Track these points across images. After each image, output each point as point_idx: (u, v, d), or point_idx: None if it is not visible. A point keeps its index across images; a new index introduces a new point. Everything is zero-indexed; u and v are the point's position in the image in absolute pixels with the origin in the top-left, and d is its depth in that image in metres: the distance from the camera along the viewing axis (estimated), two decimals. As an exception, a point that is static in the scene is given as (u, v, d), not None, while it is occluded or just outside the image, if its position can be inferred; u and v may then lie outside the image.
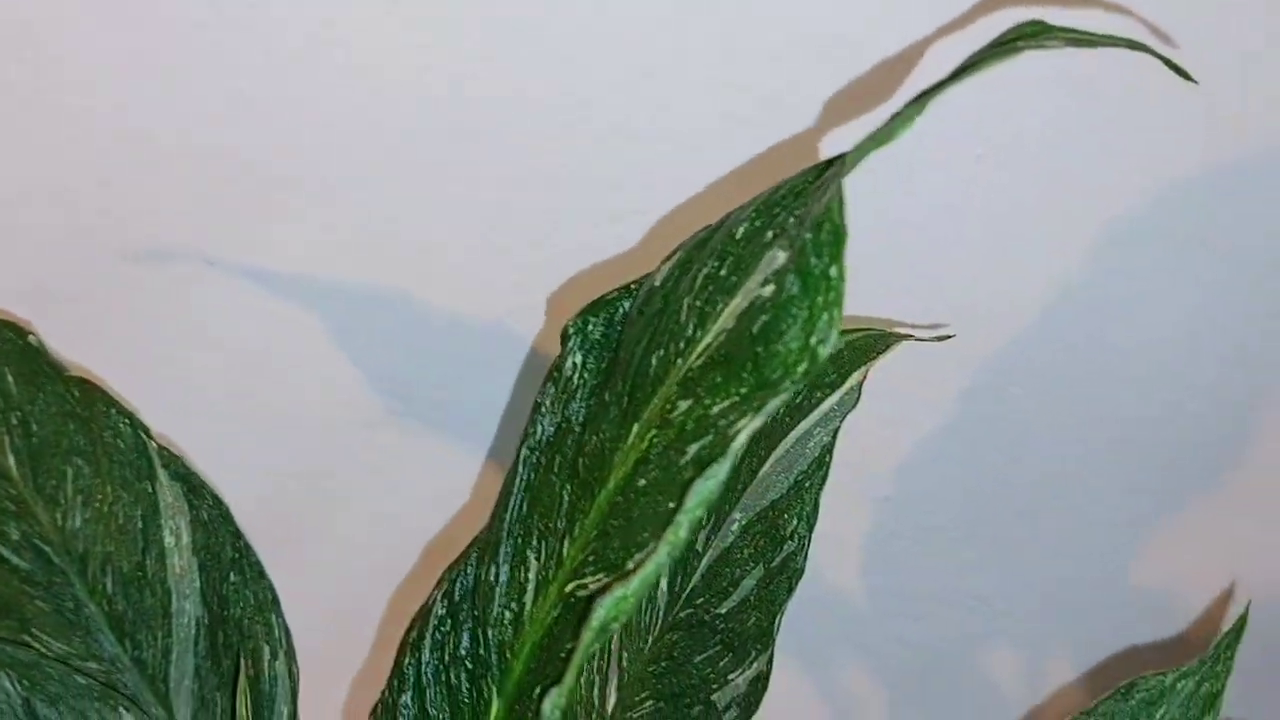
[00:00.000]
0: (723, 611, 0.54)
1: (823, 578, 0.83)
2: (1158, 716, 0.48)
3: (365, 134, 0.62)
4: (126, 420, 0.54)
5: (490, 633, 0.41)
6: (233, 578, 0.54)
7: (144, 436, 0.54)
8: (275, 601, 0.55)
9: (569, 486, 0.40)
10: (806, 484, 0.53)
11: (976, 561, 0.82)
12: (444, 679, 0.43)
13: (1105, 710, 0.48)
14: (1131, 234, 0.68)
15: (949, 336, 0.58)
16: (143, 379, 0.69)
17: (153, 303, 0.69)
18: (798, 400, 0.54)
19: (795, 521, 0.53)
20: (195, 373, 0.72)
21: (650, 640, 0.56)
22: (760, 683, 0.53)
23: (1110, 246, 0.68)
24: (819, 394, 0.54)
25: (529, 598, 0.41)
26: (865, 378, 0.53)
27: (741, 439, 0.34)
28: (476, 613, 0.42)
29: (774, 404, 0.35)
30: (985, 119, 0.61)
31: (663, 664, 0.56)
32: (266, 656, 0.54)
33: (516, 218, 0.64)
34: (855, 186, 0.63)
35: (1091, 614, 0.83)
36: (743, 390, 0.36)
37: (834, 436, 0.54)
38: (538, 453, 0.42)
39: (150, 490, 0.54)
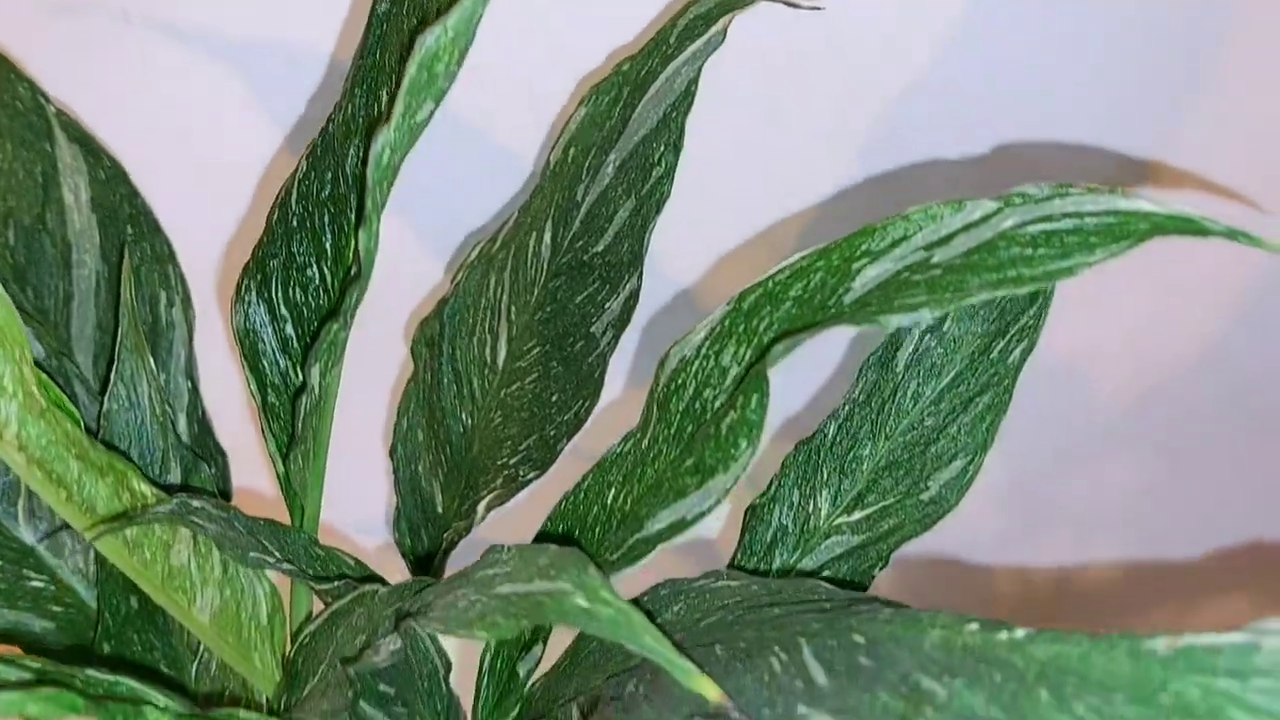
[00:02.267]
0: (600, 249, 0.57)
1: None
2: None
3: None
4: (25, 85, 0.57)
5: (348, 169, 0.44)
6: (130, 231, 0.57)
7: (42, 100, 0.57)
8: (172, 255, 0.57)
9: (414, 21, 0.43)
10: (673, 114, 0.56)
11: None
12: (308, 224, 0.46)
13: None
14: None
15: (818, 8, 0.61)
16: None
17: (69, 58, 0.71)
18: (667, 50, 0.57)
19: (663, 149, 0.56)
20: (112, 130, 0.74)
21: (535, 292, 0.59)
22: (631, 300, 0.56)
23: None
24: (687, 42, 0.56)
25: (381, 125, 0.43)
26: (729, 24, 0.56)
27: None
28: (335, 158, 0.45)
29: None
30: None
31: (547, 309, 0.58)
32: (164, 303, 0.56)
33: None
34: None
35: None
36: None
37: (699, 72, 0.56)
38: (389, 3, 0.44)
39: (49, 150, 0.57)
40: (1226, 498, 0.94)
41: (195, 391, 0.56)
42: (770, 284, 0.40)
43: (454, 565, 0.61)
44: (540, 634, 0.44)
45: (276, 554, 0.42)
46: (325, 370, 0.43)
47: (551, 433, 0.57)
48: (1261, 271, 0.82)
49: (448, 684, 0.53)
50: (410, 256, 0.67)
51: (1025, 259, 0.35)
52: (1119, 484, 0.92)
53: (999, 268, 0.35)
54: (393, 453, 0.61)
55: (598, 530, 0.43)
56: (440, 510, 0.61)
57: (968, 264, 0.36)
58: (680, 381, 0.41)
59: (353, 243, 0.45)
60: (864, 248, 0.39)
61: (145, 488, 0.39)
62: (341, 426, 0.68)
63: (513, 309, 0.59)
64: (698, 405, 0.41)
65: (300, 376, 0.47)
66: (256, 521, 0.43)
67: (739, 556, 0.52)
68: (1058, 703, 0.27)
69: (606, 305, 0.56)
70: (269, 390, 0.48)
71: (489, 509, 0.59)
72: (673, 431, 0.41)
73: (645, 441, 0.42)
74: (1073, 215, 0.35)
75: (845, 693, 0.30)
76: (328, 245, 0.46)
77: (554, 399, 0.58)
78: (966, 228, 0.37)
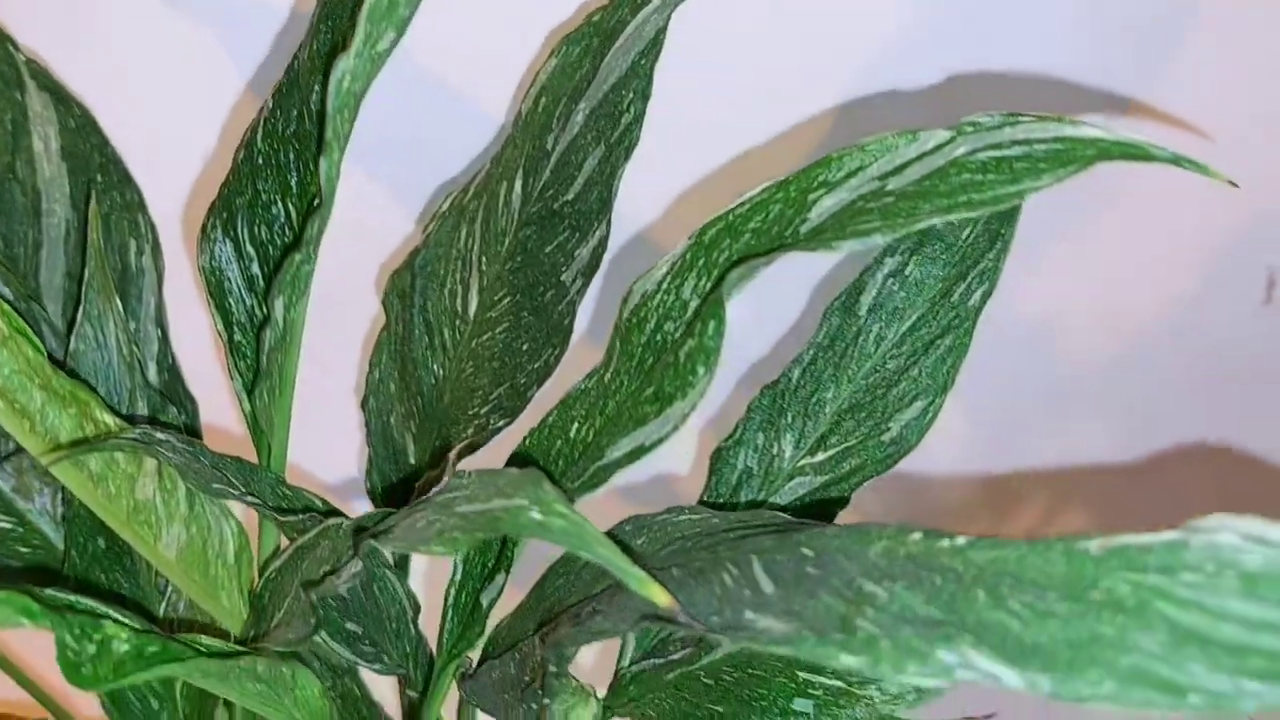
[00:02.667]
0: (570, 197, 0.57)
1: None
2: (964, 236, 0.51)
3: None
4: (-6, 33, 0.57)
5: (312, 105, 0.44)
6: (100, 180, 0.57)
7: (11, 49, 0.57)
8: (142, 203, 0.57)
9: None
10: (642, 62, 0.56)
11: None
12: (274, 162, 0.46)
13: (911, 237, 0.51)
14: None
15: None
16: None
17: (36, 6, 0.70)
18: (636, 1, 0.57)
19: (632, 96, 0.56)
20: (79, 76, 0.73)
21: (506, 242, 0.59)
22: (600, 247, 0.56)
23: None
24: (655, -8, 0.57)
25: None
26: (699, -26, 0.56)
27: None
28: (301, 95, 0.45)
29: None
30: None
31: (518, 259, 0.58)
32: (133, 251, 0.56)
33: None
34: None
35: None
36: None
37: (667, 20, 0.56)
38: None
39: (19, 98, 0.57)
40: (1197, 458, 0.95)
41: (165, 339, 0.56)
42: (730, 217, 0.41)
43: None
44: (503, 563, 0.45)
45: (241, 488, 0.42)
46: (290, 304, 0.43)
47: (522, 381, 0.58)
48: (1232, 232, 0.83)
49: (416, 626, 0.54)
50: (383, 209, 0.67)
51: (975, 184, 0.36)
52: (1090, 445, 0.93)
53: (950, 194, 0.36)
54: (364, 404, 0.62)
55: (561, 463, 0.44)
56: (413, 461, 0.62)
57: (920, 190, 0.36)
58: (642, 315, 0.42)
59: (316, 173, 0.45)
60: (821, 179, 0.39)
61: (108, 418, 0.40)
62: (314, 379, 0.69)
63: (484, 259, 0.59)
64: (659, 338, 0.41)
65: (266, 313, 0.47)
66: (223, 458, 0.44)
67: (705, 499, 0.53)
68: (993, 601, 0.28)
69: (576, 253, 0.56)
70: (235, 328, 0.48)
71: (460, 457, 0.59)
72: (634, 364, 0.42)
73: (608, 376, 0.43)
74: (1022, 142, 0.36)
75: (791, 599, 0.30)
76: (293, 182, 0.46)
77: (524, 348, 0.58)
78: (920, 157, 0.38)
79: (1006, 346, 0.81)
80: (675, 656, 0.50)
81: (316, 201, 0.39)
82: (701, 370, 0.37)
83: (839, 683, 0.45)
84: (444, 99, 0.65)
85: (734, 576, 0.33)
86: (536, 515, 0.32)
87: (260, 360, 0.45)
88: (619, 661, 0.52)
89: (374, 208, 0.67)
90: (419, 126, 0.66)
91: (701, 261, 0.41)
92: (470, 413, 0.60)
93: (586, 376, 0.45)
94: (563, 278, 0.57)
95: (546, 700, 0.37)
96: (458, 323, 0.60)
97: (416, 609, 0.53)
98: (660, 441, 0.38)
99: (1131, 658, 0.26)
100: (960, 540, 0.31)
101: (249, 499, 0.42)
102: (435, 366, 0.61)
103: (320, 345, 0.64)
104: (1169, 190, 0.80)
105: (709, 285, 0.40)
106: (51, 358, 0.45)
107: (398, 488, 0.62)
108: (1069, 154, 0.35)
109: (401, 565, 0.60)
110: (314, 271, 0.43)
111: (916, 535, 0.31)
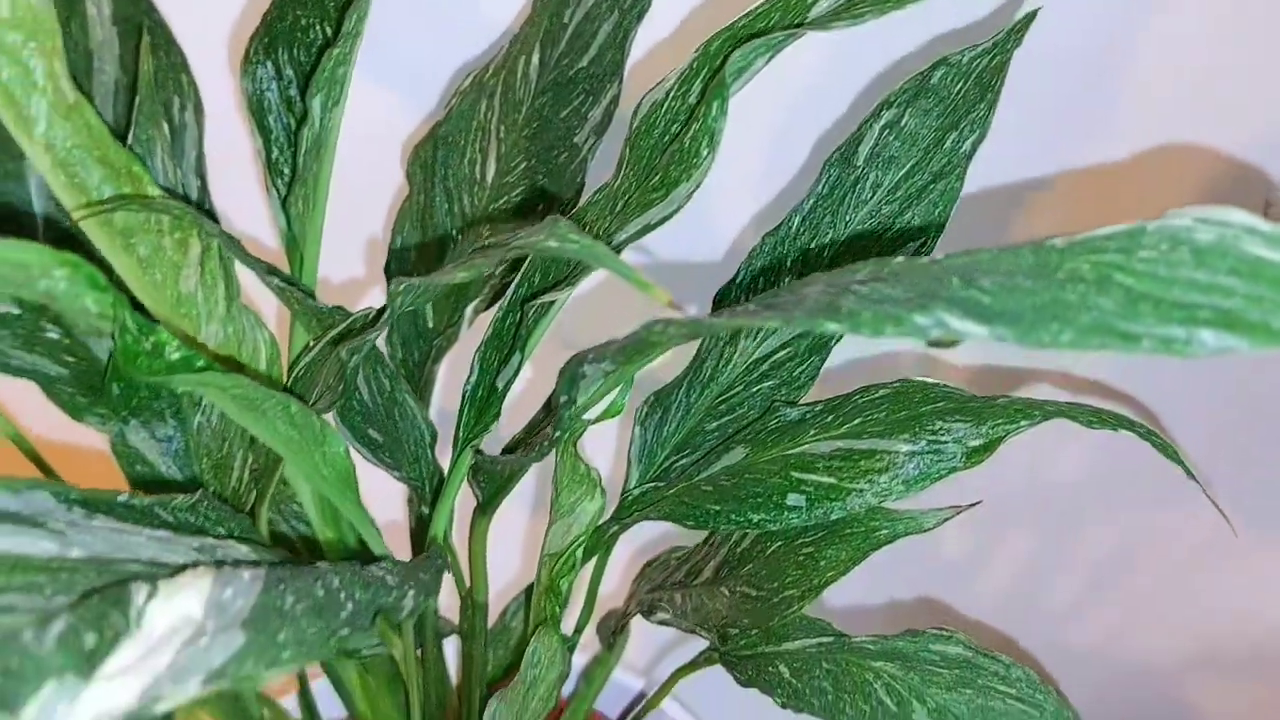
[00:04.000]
0: (584, 64, 0.61)
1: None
2: (957, 90, 0.54)
3: None
4: (52, -96, 0.61)
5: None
6: (147, 39, 0.60)
7: (67, -81, 0.61)
8: (185, 65, 0.61)
9: None
10: (656, -63, 0.60)
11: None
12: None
13: (907, 92, 0.54)
14: None
15: None
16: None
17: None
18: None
19: (645, -35, 0.59)
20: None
21: (524, 110, 0.62)
22: (612, 105, 0.59)
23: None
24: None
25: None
26: None
27: None
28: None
29: None
30: None
31: (534, 125, 0.62)
32: (176, 107, 0.60)
33: None
34: None
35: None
36: None
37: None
38: None
39: (74, -35, 0.60)
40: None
41: (204, 188, 0.59)
42: (735, 27, 0.44)
43: (443, 372, 0.65)
44: (517, 344, 0.48)
45: (273, 278, 0.45)
46: (326, 106, 0.46)
47: (536, 239, 0.61)
48: (1231, 156, 0.86)
49: (433, 451, 0.57)
50: (409, 93, 0.71)
51: (960, -29, 0.39)
52: (1091, 370, 0.95)
53: (936, -20, 0.39)
54: (387, 269, 0.65)
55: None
56: (431, 325, 0.65)
57: (910, -20, 0.39)
58: (651, 122, 0.45)
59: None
60: (820, -16, 0.42)
61: (159, 194, 0.43)
62: (339, 256, 0.72)
63: (502, 128, 0.62)
64: (666, 139, 0.44)
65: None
66: (259, 259, 0.47)
67: (704, 346, 0.56)
68: (965, 284, 0.31)
69: (589, 115, 0.60)
70: (273, 146, 0.51)
71: (476, 313, 0.63)
72: (643, 165, 0.45)
73: (618, 181, 0.46)
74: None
75: (782, 306, 0.33)
76: (330, 6, 0.49)
77: (539, 209, 0.61)
78: (911, -41, 0.41)
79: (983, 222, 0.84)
80: (676, 476, 0.53)
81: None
82: (705, 151, 0.40)
83: (830, 479, 0.47)
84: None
85: (733, 311, 0.36)
86: (553, 243, 0.35)
87: (297, 164, 0.48)
88: (624, 486, 0.55)
89: (400, 92, 0.71)
90: (445, 14, 0.69)
91: (706, 70, 0.44)
92: (484, 274, 0.63)
93: (597, 190, 0.48)
94: (575, 140, 0.60)
95: (557, 433, 0.40)
96: (476, 189, 0.63)
97: (434, 436, 0.56)
98: (665, 219, 0.41)
99: (1090, 315, 0.29)
100: (940, 255, 0.34)
101: (277, 284, 0.45)
102: (454, 232, 0.64)
103: (348, 225, 0.68)
104: (1168, 115, 0.83)
105: (715, 87, 0.43)
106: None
107: (416, 350, 0.65)
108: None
109: (424, 394, 0.63)
110: (350, 77, 0.46)
111: (900, 259, 0.34)
